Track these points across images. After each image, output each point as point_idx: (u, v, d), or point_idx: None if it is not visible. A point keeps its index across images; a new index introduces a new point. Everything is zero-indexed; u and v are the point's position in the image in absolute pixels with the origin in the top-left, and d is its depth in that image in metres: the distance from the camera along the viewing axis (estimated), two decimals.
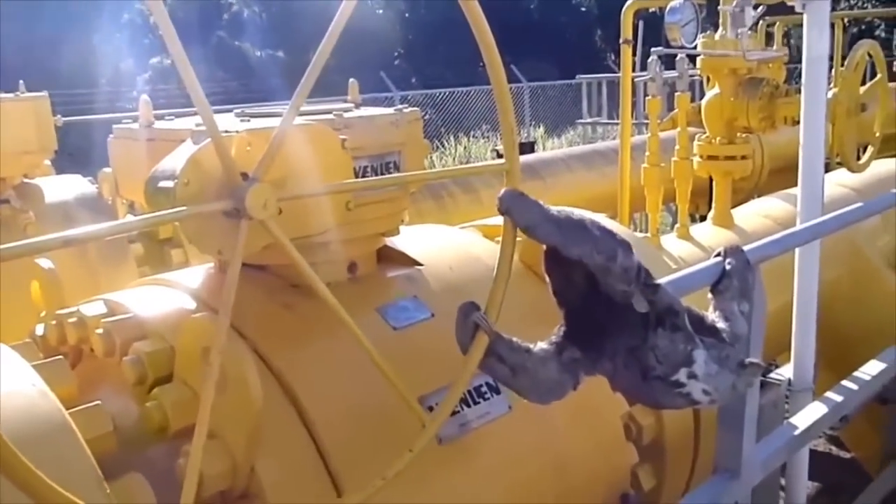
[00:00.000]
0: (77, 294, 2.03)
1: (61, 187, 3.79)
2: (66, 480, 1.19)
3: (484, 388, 1.93)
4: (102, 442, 1.49)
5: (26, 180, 3.51)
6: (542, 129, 18.70)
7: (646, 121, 9.00)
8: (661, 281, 1.70)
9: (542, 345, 1.66)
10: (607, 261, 1.57)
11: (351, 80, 2.17)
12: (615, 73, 15.37)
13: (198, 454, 1.32)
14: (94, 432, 1.48)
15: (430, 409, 1.80)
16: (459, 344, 1.64)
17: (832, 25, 3.35)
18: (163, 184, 1.48)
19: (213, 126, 1.35)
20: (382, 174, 1.92)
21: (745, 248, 2.01)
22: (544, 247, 1.64)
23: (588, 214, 1.63)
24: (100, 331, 1.75)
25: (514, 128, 1.64)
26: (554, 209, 1.58)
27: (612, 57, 19.42)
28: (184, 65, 1.26)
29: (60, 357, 1.72)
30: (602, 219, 1.81)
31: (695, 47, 3.84)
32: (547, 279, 1.69)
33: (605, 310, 1.63)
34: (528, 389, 1.66)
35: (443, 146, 16.96)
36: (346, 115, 1.90)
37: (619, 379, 1.70)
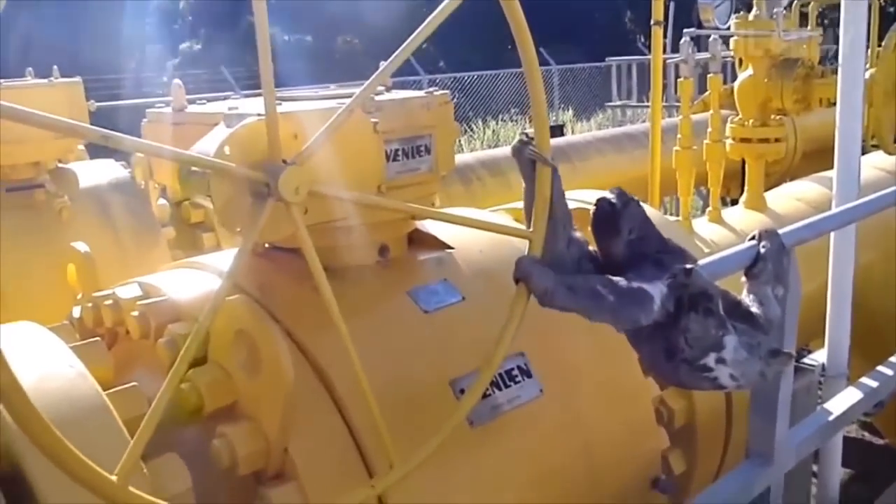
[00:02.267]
0: (111, 277, 2.06)
1: (95, 172, 3.83)
2: (104, 461, 1.21)
3: (515, 372, 1.93)
4: (139, 423, 1.50)
5: (61, 165, 3.55)
6: (570, 113, 18.57)
7: (676, 103, 8.91)
8: (696, 264, 1.68)
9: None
10: (633, 324, 1.59)
11: (381, 62, 2.16)
12: (645, 55, 15.21)
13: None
14: (130, 413, 1.50)
15: (462, 391, 1.80)
16: (525, 180, 1.64)
17: (868, 6, 3.28)
18: (196, 168, 1.48)
19: (273, 105, 1.35)
20: (413, 157, 1.92)
21: (780, 231, 1.99)
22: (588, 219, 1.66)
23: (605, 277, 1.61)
24: (135, 313, 1.77)
25: (548, 195, 1.63)
26: (568, 279, 1.57)
27: (642, 39, 19.16)
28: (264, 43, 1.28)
29: (97, 339, 1.74)
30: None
31: (728, 28, 3.78)
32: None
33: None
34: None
35: (471, 130, 16.90)
36: (376, 97, 1.90)
37: (641, 348, 1.70)
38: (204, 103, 2.00)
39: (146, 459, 1.42)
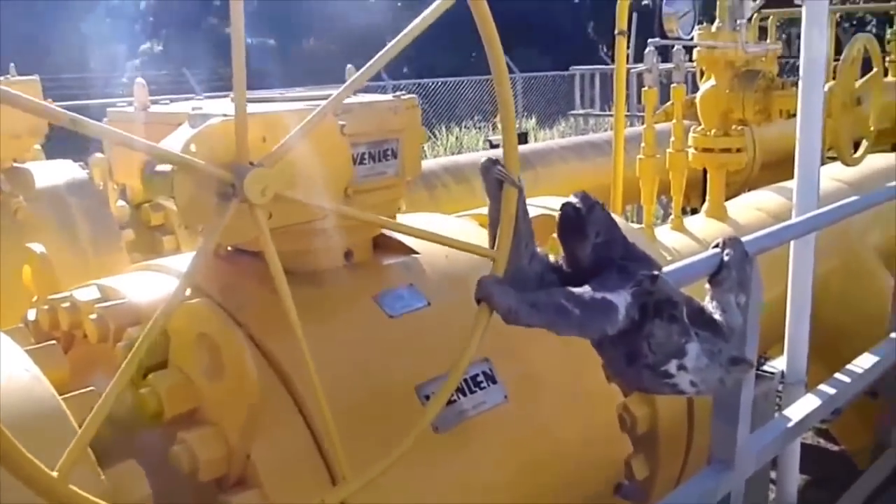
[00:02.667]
0: (68, 280, 2.01)
1: (52, 172, 3.76)
2: (60, 467, 1.18)
3: (480, 378, 1.92)
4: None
5: (16, 164, 3.47)
6: (534, 121, 18.68)
7: (638, 113, 9.00)
8: (662, 271, 1.69)
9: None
10: (600, 335, 1.60)
11: (348, 65, 2.15)
12: (608, 64, 15.36)
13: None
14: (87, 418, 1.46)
15: (427, 397, 1.79)
16: (490, 198, 1.65)
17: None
18: (160, 168, 1.45)
19: (242, 105, 1.33)
20: (380, 161, 1.90)
21: (743, 239, 2.01)
22: (553, 225, 1.69)
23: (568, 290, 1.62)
24: (93, 316, 1.73)
25: (513, 214, 1.64)
26: (530, 296, 1.58)
27: (605, 49, 19.37)
28: (238, 41, 1.26)
29: (53, 342, 1.70)
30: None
31: (691, 39, 3.83)
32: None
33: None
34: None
35: (435, 136, 16.92)
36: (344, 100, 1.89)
37: (602, 353, 1.71)
38: (168, 103, 1.96)
39: (105, 467, 1.39)
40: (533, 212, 2.21)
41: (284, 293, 1.42)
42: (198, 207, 1.44)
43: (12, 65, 3.61)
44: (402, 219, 2.20)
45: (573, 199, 1.68)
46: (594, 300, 1.58)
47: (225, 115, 1.50)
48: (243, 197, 1.36)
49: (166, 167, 1.44)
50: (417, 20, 1.48)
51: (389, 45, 1.47)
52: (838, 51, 3.94)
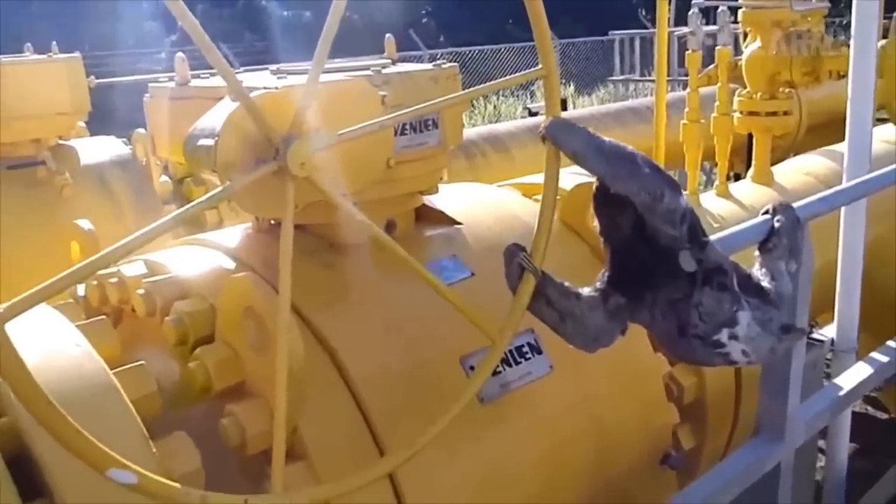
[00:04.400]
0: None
1: (96, 149, 3.80)
2: (112, 441, 1.19)
3: (525, 349, 1.91)
4: (147, 402, 1.49)
5: (61, 142, 3.51)
6: (572, 88, 18.45)
7: (679, 78, 8.83)
8: (711, 238, 1.65)
9: (587, 291, 1.64)
10: (653, 200, 1.54)
11: (388, 35, 2.13)
12: (647, 28, 15.08)
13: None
14: (138, 392, 1.48)
15: (472, 368, 1.78)
16: (509, 287, 1.63)
17: None
18: (203, 142, 1.45)
19: (238, 88, 1.32)
20: (421, 131, 1.89)
21: (794, 205, 1.96)
22: (591, 195, 1.63)
23: (639, 152, 1.59)
24: (141, 291, 1.75)
25: (548, 33, 1.60)
26: (605, 140, 1.55)
27: (644, 13, 19.01)
28: (196, 30, 1.23)
29: (103, 317, 1.72)
30: None
31: None
32: (595, 221, 1.68)
33: (650, 257, 1.60)
34: (575, 335, 1.64)
35: (472, 105, 16.79)
36: (384, 70, 1.87)
37: (655, 329, 1.68)
38: (207, 78, 1.96)
39: (155, 439, 1.40)
40: (575, 180, 2.18)
41: (285, 269, 1.38)
42: (257, 196, 1.44)
43: (54, 43, 3.63)
44: (443, 189, 2.19)
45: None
46: (666, 174, 1.56)
47: (266, 88, 1.49)
48: (284, 163, 1.35)
49: (209, 140, 1.43)
50: None
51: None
52: (889, 9, 3.80)
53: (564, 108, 9.99)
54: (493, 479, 1.80)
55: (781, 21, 3.75)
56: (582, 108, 10.99)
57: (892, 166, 2.45)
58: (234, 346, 1.58)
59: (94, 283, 1.86)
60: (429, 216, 2.10)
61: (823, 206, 2.10)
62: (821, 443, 2.95)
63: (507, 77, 1.73)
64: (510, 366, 1.86)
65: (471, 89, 1.73)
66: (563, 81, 18.21)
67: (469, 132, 5.67)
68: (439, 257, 1.98)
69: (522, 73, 1.68)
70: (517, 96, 17.71)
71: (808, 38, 3.73)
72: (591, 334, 1.64)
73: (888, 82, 3.40)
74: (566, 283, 1.64)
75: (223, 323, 1.60)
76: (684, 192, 3.43)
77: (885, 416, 4.85)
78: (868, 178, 2.43)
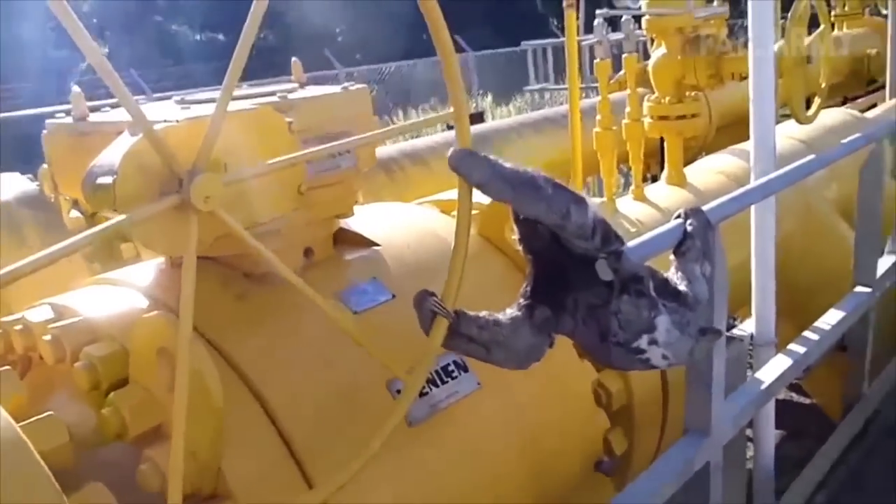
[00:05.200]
0: (25, 297, 1.94)
1: (1, 186, 3.65)
2: (23, 497, 1.13)
3: (451, 367, 1.90)
4: (59, 453, 1.42)
5: None
6: (489, 98, 18.62)
7: (593, 84, 8.99)
8: (625, 247, 1.67)
9: (510, 311, 1.64)
10: (561, 218, 1.55)
11: (293, 59, 2.10)
12: (559, 37, 15.34)
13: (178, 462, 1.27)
14: (49, 444, 1.40)
15: (398, 392, 1.76)
16: (423, 331, 1.62)
17: None
18: (101, 180, 1.40)
19: (142, 120, 1.28)
20: (335, 157, 1.86)
21: (704, 208, 2.00)
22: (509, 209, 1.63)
23: (543, 173, 1.60)
24: (48, 337, 1.67)
25: (459, 76, 1.60)
26: (508, 165, 1.56)
27: (555, 22, 19.34)
28: (97, 59, 1.19)
29: (8, 367, 1.63)
30: None
31: (639, 8, 3.81)
32: (514, 228, 1.68)
33: (569, 264, 1.61)
34: (505, 360, 1.65)
35: (392, 121, 16.82)
36: (290, 95, 1.84)
37: (578, 336, 1.69)
38: (108, 111, 1.90)
39: (69, 492, 1.34)
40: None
41: (280, 268, 1.36)
42: (157, 232, 1.40)
43: None
44: (360, 211, 2.17)
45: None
46: (570, 190, 1.57)
47: (166, 122, 1.44)
48: (187, 196, 1.31)
49: (108, 178, 1.38)
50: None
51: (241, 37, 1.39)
52: (785, 9, 3.94)
53: (482, 119, 10.07)
54: (427, 502, 1.78)
55: (683, 27, 3.85)
56: (501, 119, 11.08)
57: (796, 163, 2.53)
58: (150, 388, 1.52)
59: None
60: (347, 239, 2.08)
61: (732, 207, 2.16)
62: (749, 432, 3.02)
63: (421, 118, 1.76)
64: (437, 385, 1.85)
65: (384, 129, 1.74)
66: (481, 92, 18.40)
67: (389, 148, 5.66)
68: (359, 281, 1.96)
69: (435, 115, 1.69)
70: (436, 110, 17.78)
71: (711, 41, 3.84)
72: (522, 355, 1.65)
73: (788, 80, 3.52)
74: (483, 314, 1.63)
75: (136, 365, 1.54)
76: (601, 200, 3.48)
77: (808, 400, 5.00)
78: (773, 176, 2.50)
